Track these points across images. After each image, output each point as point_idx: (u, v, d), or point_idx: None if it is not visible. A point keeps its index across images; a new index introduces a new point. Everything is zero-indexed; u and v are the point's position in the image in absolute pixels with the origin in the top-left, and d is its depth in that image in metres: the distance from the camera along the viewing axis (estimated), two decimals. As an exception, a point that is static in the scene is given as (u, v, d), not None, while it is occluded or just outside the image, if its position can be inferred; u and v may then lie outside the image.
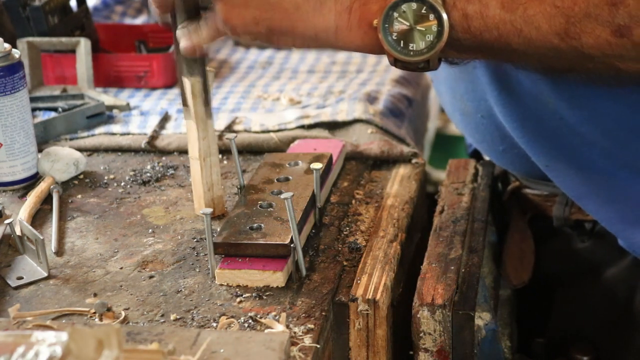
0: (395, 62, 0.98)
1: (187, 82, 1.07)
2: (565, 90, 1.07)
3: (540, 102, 1.10)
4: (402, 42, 0.96)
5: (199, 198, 1.13)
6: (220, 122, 1.35)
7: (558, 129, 1.10)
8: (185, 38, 1.04)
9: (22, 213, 1.13)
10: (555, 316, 1.27)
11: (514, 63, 0.99)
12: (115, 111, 1.41)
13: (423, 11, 0.95)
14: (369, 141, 1.28)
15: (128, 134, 1.34)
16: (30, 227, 1.05)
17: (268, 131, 1.32)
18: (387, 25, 0.96)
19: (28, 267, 1.04)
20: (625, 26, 0.89)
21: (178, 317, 0.95)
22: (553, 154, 1.13)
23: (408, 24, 0.96)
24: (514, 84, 1.10)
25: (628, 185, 1.10)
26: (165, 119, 1.38)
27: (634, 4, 0.89)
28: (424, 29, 0.95)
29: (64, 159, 1.23)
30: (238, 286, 1.00)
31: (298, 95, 1.44)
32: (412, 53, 0.97)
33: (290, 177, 1.14)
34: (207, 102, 1.09)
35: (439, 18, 0.94)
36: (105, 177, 1.25)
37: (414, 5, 0.95)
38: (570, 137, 1.10)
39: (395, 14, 0.95)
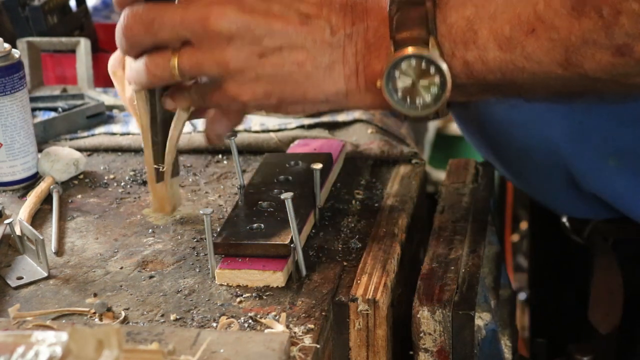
0: (405, 118, 0.99)
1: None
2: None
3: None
4: (408, 98, 0.97)
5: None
6: (220, 122, 1.35)
7: None
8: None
9: (22, 213, 1.13)
10: None
11: (524, 96, 0.99)
12: (115, 111, 1.41)
13: (423, 66, 0.95)
14: (369, 141, 1.28)
15: (128, 134, 1.34)
16: (30, 227, 1.05)
17: (268, 131, 1.32)
18: (390, 85, 0.96)
19: (28, 267, 1.04)
20: (624, 45, 0.89)
21: (178, 317, 0.95)
22: None
23: (411, 80, 0.96)
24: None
25: None
26: (165, 119, 1.38)
27: (628, 22, 0.88)
28: (427, 83, 0.95)
29: (64, 159, 1.23)
30: (238, 286, 1.00)
31: (298, 95, 1.44)
32: (420, 108, 0.97)
33: (290, 177, 1.14)
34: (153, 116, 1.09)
35: (439, 70, 0.94)
36: (105, 177, 1.25)
37: (413, 61, 0.95)
38: None
39: (397, 73, 0.95)
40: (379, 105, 0.99)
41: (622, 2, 0.88)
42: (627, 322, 1.22)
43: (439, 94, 0.95)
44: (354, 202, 1.17)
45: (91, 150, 1.32)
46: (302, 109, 1.02)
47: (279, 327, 0.92)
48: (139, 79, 1.02)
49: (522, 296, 1.59)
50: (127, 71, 1.04)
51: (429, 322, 0.98)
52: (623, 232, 1.21)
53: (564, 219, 1.27)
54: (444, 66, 0.94)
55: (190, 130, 1.32)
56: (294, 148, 1.26)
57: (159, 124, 1.08)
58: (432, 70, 0.95)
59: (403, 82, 0.96)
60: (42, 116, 1.39)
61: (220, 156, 1.29)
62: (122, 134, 1.34)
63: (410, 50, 0.94)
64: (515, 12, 0.92)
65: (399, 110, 0.98)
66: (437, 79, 0.95)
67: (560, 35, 0.90)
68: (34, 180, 1.23)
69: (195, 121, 1.31)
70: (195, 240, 1.09)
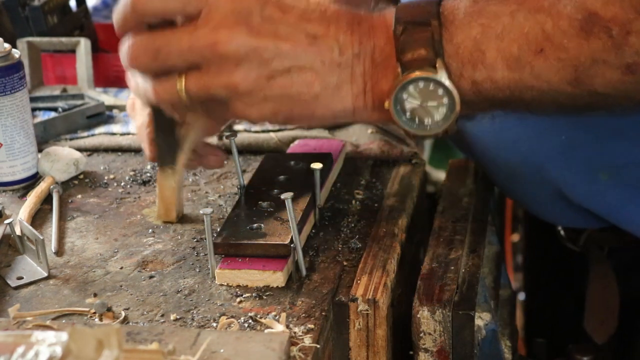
0: (414, 137, 0.98)
1: None
2: None
3: None
4: (416, 119, 0.96)
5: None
6: (220, 122, 1.35)
7: None
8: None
9: (22, 213, 1.13)
10: None
11: (532, 111, 0.98)
12: (115, 111, 1.41)
13: (431, 88, 0.94)
14: (369, 141, 1.28)
15: (128, 134, 1.34)
16: (30, 227, 1.05)
17: (268, 131, 1.32)
18: (398, 107, 0.95)
19: (28, 267, 1.04)
20: (634, 63, 0.89)
21: (178, 317, 0.95)
22: None
23: (419, 102, 0.95)
24: None
25: None
26: (165, 119, 1.38)
27: (638, 41, 0.88)
28: (435, 104, 0.95)
29: (64, 159, 1.23)
30: (238, 286, 1.00)
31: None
32: (428, 128, 0.96)
33: (290, 177, 1.14)
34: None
35: (447, 92, 0.94)
36: (105, 177, 1.25)
37: (421, 83, 0.94)
38: None
39: (405, 95, 0.95)
40: (386, 121, 0.99)
41: (631, 22, 0.87)
42: (623, 330, 1.22)
43: (448, 114, 0.95)
44: (354, 202, 1.17)
45: (91, 150, 1.32)
46: (309, 125, 1.02)
47: (279, 327, 0.92)
48: (147, 98, 1.01)
49: (522, 296, 1.59)
50: (134, 86, 1.02)
51: (429, 322, 0.98)
52: (618, 240, 1.20)
53: (559, 228, 1.26)
54: (452, 88, 0.93)
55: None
56: (294, 148, 1.26)
57: (162, 124, 1.08)
58: (440, 91, 0.94)
59: (411, 103, 0.95)
60: (42, 116, 1.39)
61: (220, 156, 1.29)
62: (122, 134, 1.34)
63: (417, 73, 0.94)
64: (522, 31, 0.91)
65: (407, 131, 0.97)
66: (445, 100, 0.94)
67: (569, 55, 0.90)
68: (34, 180, 1.23)
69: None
70: (195, 240, 1.09)
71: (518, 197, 1.28)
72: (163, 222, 1.13)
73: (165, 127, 1.07)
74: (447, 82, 0.93)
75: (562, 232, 1.26)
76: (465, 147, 1.25)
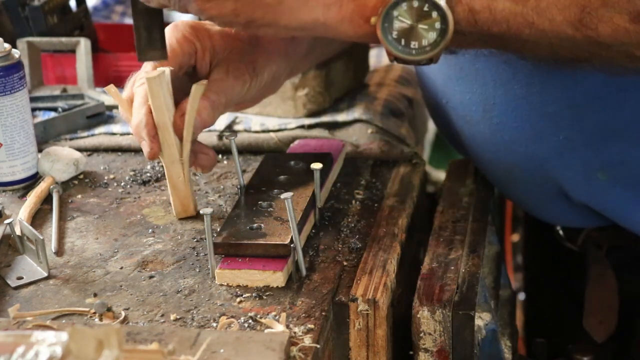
0: (395, 59, 0.94)
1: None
2: None
3: None
4: (403, 40, 0.92)
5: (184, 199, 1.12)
6: (220, 122, 1.35)
7: None
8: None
9: (22, 213, 1.13)
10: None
11: (524, 53, 0.95)
12: (115, 111, 1.41)
13: (425, 8, 0.90)
14: (369, 141, 1.28)
15: (128, 134, 1.34)
16: (30, 227, 1.05)
17: (268, 131, 1.32)
18: (387, 25, 0.91)
19: (28, 267, 1.04)
20: None
21: (178, 317, 0.95)
22: None
23: (409, 22, 0.91)
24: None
25: None
26: (165, 119, 1.38)
27: None
28: (426, 27, 0.91)
29: (64, 159, 1.23)
30: (238, 286, 1.00)
31: (298, 95, 1.44)
32: (414, 52, 0.92)
33: (290, 177, 1.14)
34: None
35: (442, 15, 0.90)
36: (105, 177, 1.25)
37: (416, 2, 0.90)
38: None
39: (396, 13, 0.91)
40: (362, 38, 0.94)
41: None
42: (623, 329, 1.21)
43: (437, 41, 0.91)
44: (354, 202, 1.17)
45: (91, 150, 1.32)
46: (275, 33, 0.96)
47: (279, 327, 0.92)
48: None
49: (522, 296, 1.59)
50: None
51: (429, 322, 0.98)
52: (617, 239, 1.20)
53: (558, 227, 1.26)
54: (448, 12, 0.89)
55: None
56: (294, 148, 1.26)
57: (140, 13, 1.03)
58: (434, 14, 0.90)
59: (401, 22, 0.91)
60: (42, 116, 1.39)
61: (220, 156, 1.29)
62: (122, 134, 1.34)
63: None
64: None
65: (391, 52, 0.93)
66: (437, 24, 0.90)
67: None
68: (34, 180, 1.23)
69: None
70: (195, 240, 1.09)
71: (516, 197, 1.27)
72: (162, 221, 1.13)
73: (144, 15, 1.04)
74: (443, 4, 0.89)
75: (560, 232, 1.25)
76: (463, 148, 1.25)
